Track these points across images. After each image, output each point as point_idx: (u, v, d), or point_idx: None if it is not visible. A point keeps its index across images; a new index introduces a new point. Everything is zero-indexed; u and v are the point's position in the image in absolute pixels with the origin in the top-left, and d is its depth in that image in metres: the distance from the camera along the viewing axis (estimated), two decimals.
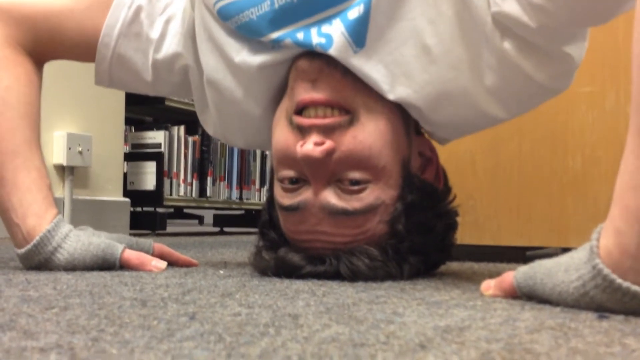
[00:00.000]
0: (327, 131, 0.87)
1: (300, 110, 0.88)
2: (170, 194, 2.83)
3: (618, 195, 0.61)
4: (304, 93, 0.88)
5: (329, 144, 0.85)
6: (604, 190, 1.26)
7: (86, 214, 2.33)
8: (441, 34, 0.83)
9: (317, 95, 0.87)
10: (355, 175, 0.87)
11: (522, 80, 0.84)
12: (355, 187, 0.87)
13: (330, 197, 0.87)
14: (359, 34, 0.86)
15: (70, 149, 2.29)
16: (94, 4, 1.03)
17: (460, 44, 0.83)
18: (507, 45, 0.81)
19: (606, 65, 1.28)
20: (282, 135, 0.90)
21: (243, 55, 0.94)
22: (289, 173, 0.89)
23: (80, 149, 2.32)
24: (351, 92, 0.88)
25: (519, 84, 0.85)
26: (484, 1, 0.80)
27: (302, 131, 0.87)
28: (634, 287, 0.58)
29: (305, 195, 0.88)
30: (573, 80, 0.90)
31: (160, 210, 2.96)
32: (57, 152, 2.28)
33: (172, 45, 1.03)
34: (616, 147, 1.25)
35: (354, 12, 0.85)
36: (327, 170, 0.87)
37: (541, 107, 0.96)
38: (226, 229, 3.61)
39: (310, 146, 0.85)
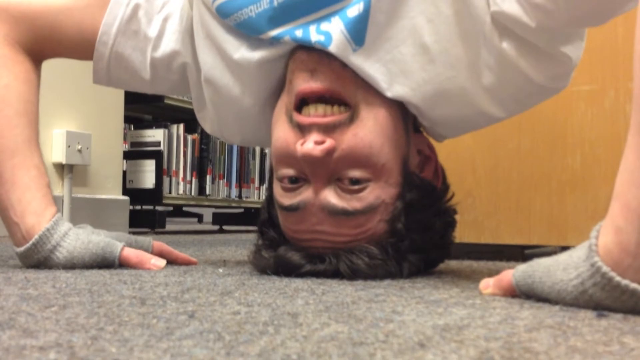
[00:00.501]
0: (327, 129, 0.86)
1: (300, 106, 0.88)
2: (170, 192, 2.82)
3: (618, 192, 0.61)
4: (303, 83, 0.87)
5: (329, 142, 0.85)
6: (603, 188, 1.26)
7: (85, 212, 2.33)
8: (440, 33, 0.83)
9: (316, 85, 0.87)
10: (356, 173, 0.87)
11: (520, 79, 0.84)
12: (356, 187, 0.87)
13: (331, 196, 0.87)
14: (358, 32, 0.85)
15: (69, 147, 2.28)
16: (93, 2, 1.03)
17: (459, 43, 0.83)
18: (505, 45, 0.81)
19: (605, 64, 1.28)
20: (281, 133, 0.90)
21: (242, 52, 0.94)
22: (289, 172, 0.89)
23: (79, 147, 2.32)
24: (351, 84, 0.88)
25: (517, 84, 0.85)
26: (484, 1, 0.80)
27: (302, 129, 0.87)
28: (633, 285, 0.58)
29: (305, 194, 0.88)
30: (571, 80, 0.90)
31: (159, 208, 2.96)
32: (56, 150, 2.28)
33: (170, 43, 1.02)
34: (615, 145, 1.25)
35: (354, 10, 0.85)
36: (328, 169, 0.86)
37: (540, 106, 0.96)
38: (225, 227, 3.61)
39: (311, 145, 0.85)
